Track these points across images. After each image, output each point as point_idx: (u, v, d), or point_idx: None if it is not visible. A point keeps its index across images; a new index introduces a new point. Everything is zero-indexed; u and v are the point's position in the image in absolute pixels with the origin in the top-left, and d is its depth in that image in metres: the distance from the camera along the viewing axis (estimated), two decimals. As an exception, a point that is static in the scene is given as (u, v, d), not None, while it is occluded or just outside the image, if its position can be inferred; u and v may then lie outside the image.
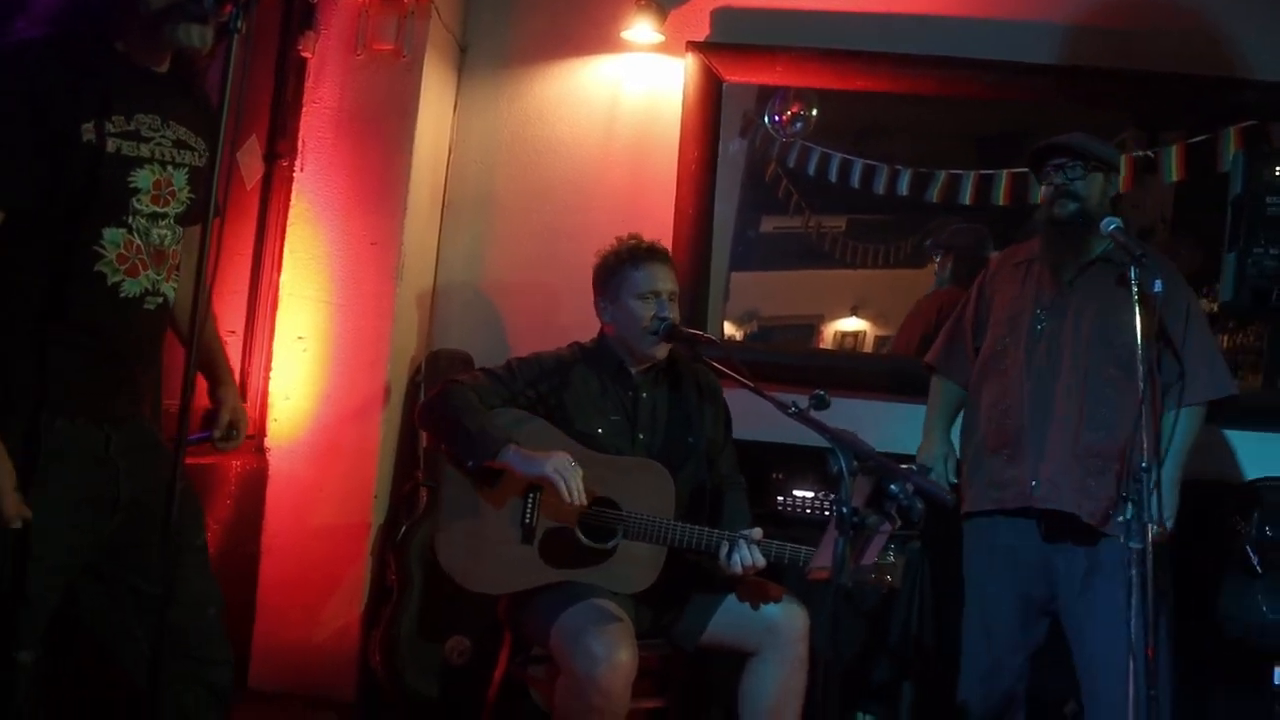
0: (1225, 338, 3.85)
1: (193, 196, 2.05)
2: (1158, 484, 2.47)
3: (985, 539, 2.95)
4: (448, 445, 2.72)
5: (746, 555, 2.60)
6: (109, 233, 1.92)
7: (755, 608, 2.67)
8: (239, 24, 1.82)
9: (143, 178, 1.95)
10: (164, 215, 2.00)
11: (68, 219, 1.89)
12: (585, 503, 2.60)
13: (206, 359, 2.22)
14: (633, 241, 2.86)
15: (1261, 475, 3.31)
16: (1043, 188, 2.94)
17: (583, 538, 2.67)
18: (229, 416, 2.24)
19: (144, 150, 1.95)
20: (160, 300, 2.03)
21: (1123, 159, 3.67)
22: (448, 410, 2.69)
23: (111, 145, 1.90)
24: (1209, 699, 3.22)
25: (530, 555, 2.69)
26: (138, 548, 2.01)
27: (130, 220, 1.95)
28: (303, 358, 3.52)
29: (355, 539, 3.49)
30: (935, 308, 3.86)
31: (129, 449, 2.00)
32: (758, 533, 2.65)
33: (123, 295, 1.95)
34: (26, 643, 1.89)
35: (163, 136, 1.98)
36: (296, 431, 3.49)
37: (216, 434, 2.23)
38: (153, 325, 2.05)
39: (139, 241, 1.96)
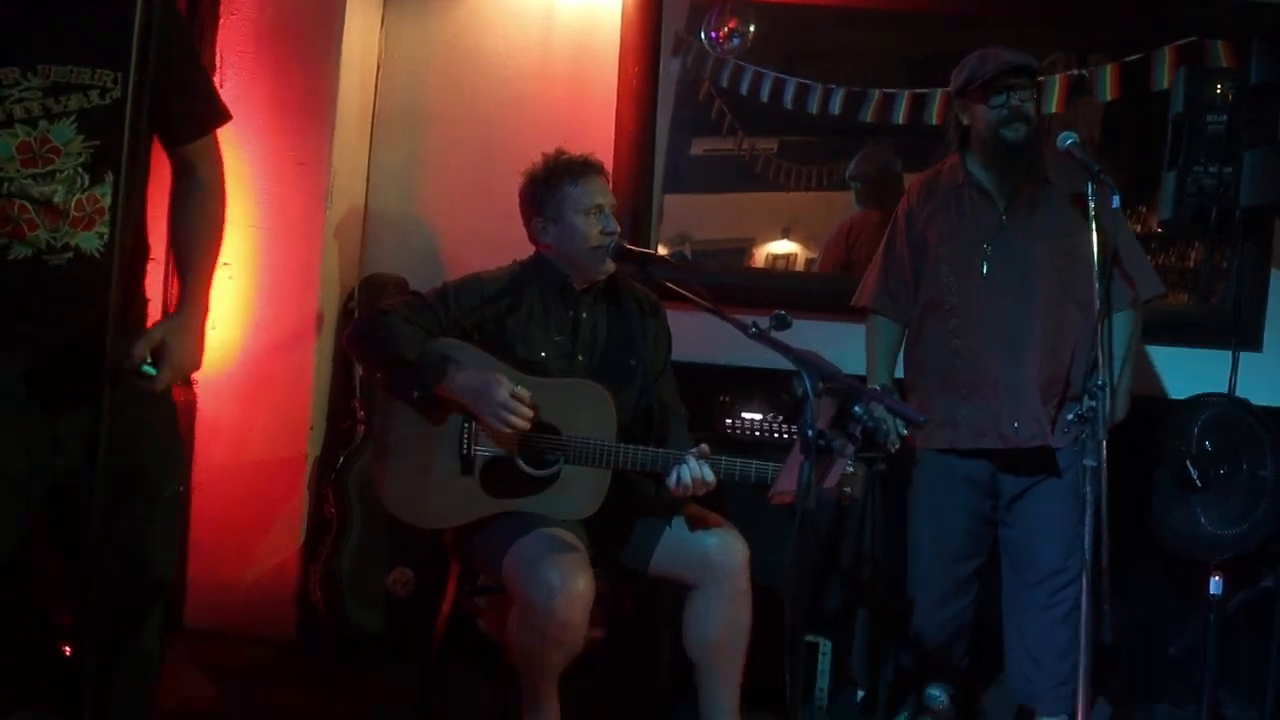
0: (1150, 259, 3.91)
1: (95, 142, 1.85)
2: (1113, 397, 2.50)
3: (942, 471, 2.96)
4: (384, 374, 2.63)
5: (695, 470, 2.51)
6: None
7: (692, 538, 2.62)
8: None
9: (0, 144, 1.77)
10: (51, 174, 1.82)
11: None
12: (522, 426, 2.51)
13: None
14: (565, 156, 2.74)
15: (1195, 392, 3.36)
16: (987, 109, 2.84)
17: (524, 465, 2.60)
18: (146, 346, 1.93)
19: None
20: (69, 254, 1.86)
21: (1056, 78, 3.69)
22: (381, 338, 2.60)
23: None
24: (1147, 608, 3.30)
25: (472, 486, 2.61)
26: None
27: (7, 188, 1.79)
28: (229, 286, 3.36)
29: (291, 473, 3.38)
30: (844, 234, 3.87)
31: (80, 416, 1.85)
32: (704, 449, 2.59)
33: (11, 257, 1.81)
34: None
35: (25, 90, 1.78)
36: (225, 363, 3.35)
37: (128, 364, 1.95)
38: (68, 280, 1.87)
39: (21, 202, 1.80)
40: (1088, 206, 2.54)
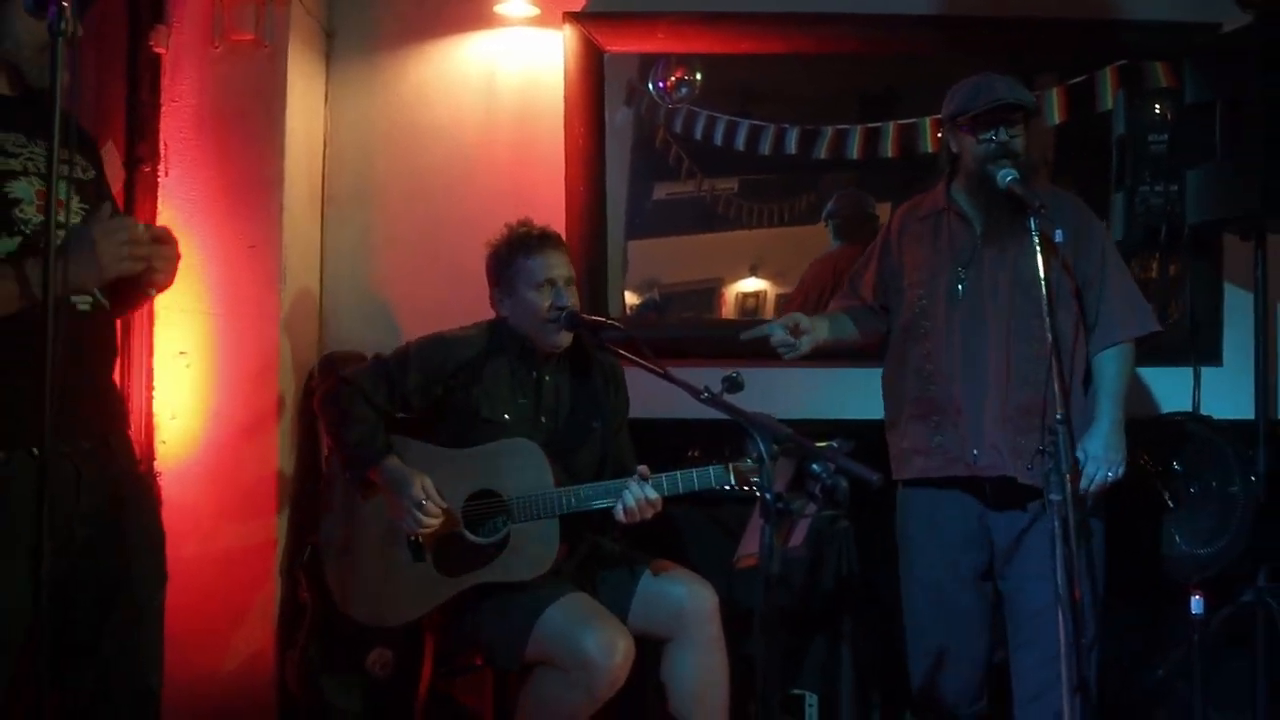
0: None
1: (85, 207, 2.01)
2: (1069, 434, 2.47)
3: (924, 510, 2.89)
4: (334, 447, 2.75)
5: (638, 492, 2.56)
6: (4, 243, 1.86)
7: (661, 591, 2.65)
8: (62, 26, 1.70)
9: (20, 188, 1.91)
10: (60, 226, 1.88)
11: None
12: (440, 508, 2.58)
13: None
14: (523, 229, 2.78)
15: (1160, 411, 3.38)
16: (975, 142, 2.78)
17: (471, 536, 2.62)
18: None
19: (14, 164, 1.92)
20: (90, 300, 2.00)
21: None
22: (333, 413, 2.71)
23: None
24: (1133, 630, 3.29)
25: (426, 571, 2.64)
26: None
27: (23, 229, 1.92)
28: (186, 374, 3.32)
29: (261, 559, 3.32)
30: (830, 269, 3.86)
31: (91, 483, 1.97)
32: (643, 470, 2.61)
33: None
34: None
35: (32, 152, 1.96)
36: (187, 452, 3.30)
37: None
38: (91, 329, 2.02)
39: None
40: (1078, 242, 2.56)
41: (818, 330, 2.89)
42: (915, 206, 3.02)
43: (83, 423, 1.99)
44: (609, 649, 2.46)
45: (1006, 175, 2.62)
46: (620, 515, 2.58)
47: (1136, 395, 3.50)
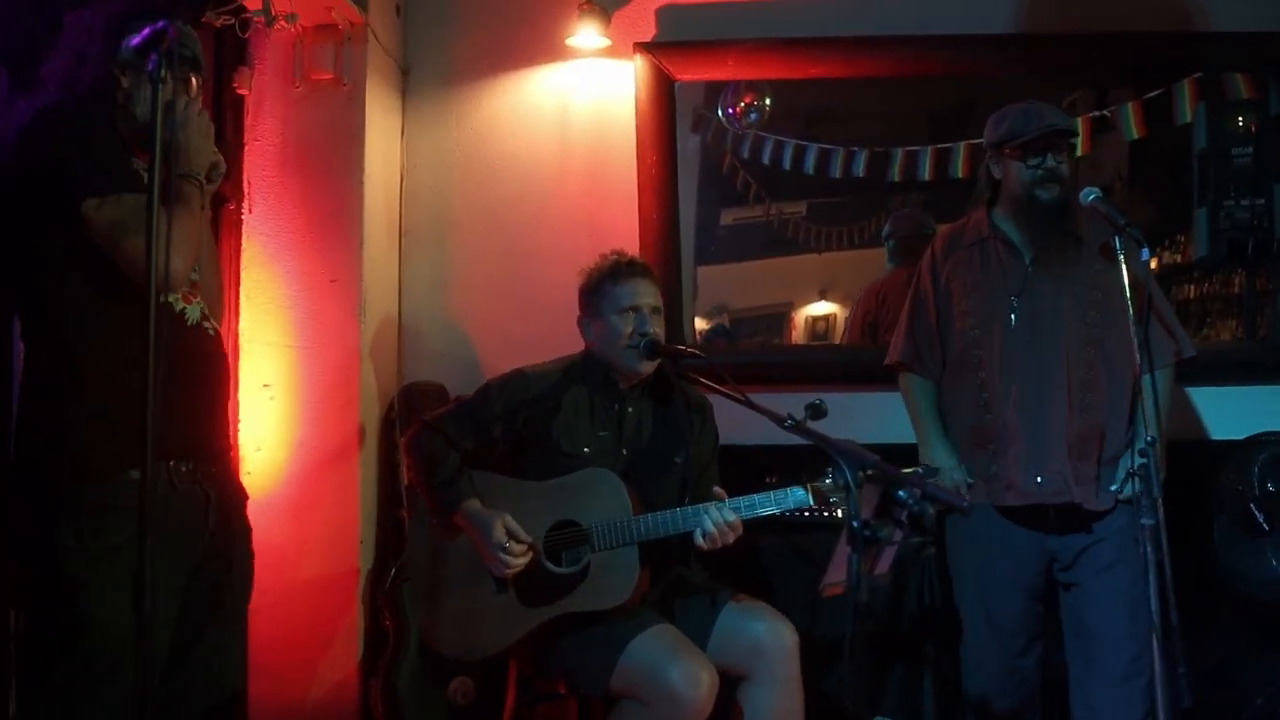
0: (1191, 287, 3.84)
1: None
2: (1163, 456, 2.43)
3: (981, 533, 2.87)
4: (419, 491, 2.79)
5: (716, 516, 2.55)
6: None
7: (741, 627, 2.63)
8: (162, 72, 1.77)
9: None
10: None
11: None
12: (519, 566, 2.61)
13: None
14: (614, 257, 2.82)
15: (1251, 432, 3.27)
16: (1023, 167, 2.80)
17: (552, 567, 2.63)
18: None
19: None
20: (215, 326, 2.17)
21: (1078, 121, 3.67)
22: (419, 456, 2.75)
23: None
24: (1227, 661, 3.19)
25: (510, 602, 2.65)
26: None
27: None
28: (270, 406, 3.40)
29: (344, 588, 3.37)
30: (876, 294, 3.87)
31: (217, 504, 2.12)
32: (719, 492, 2.61)
33: (189, 322, 2.09)
34: None
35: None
36: (272, 484, 3.37)
37: None
38: (219, 351, 2.19)
39: None
40: (1117, 259, 2.52)
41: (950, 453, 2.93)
42: (957, 234, 3.01)
43: (206, 442, 2.12)
44: (694, 682, 2.44)
45: (1090, 194, 2.59)
46: (700, 540, 2.56)
47: (1222, 415, 3.43)
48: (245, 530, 2.25)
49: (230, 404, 2.30)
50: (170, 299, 2.03)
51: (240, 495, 2.26)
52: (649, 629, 2.54)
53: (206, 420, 2.14)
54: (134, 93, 2.05)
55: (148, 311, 1.71)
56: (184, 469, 2.04)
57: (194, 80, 2.11)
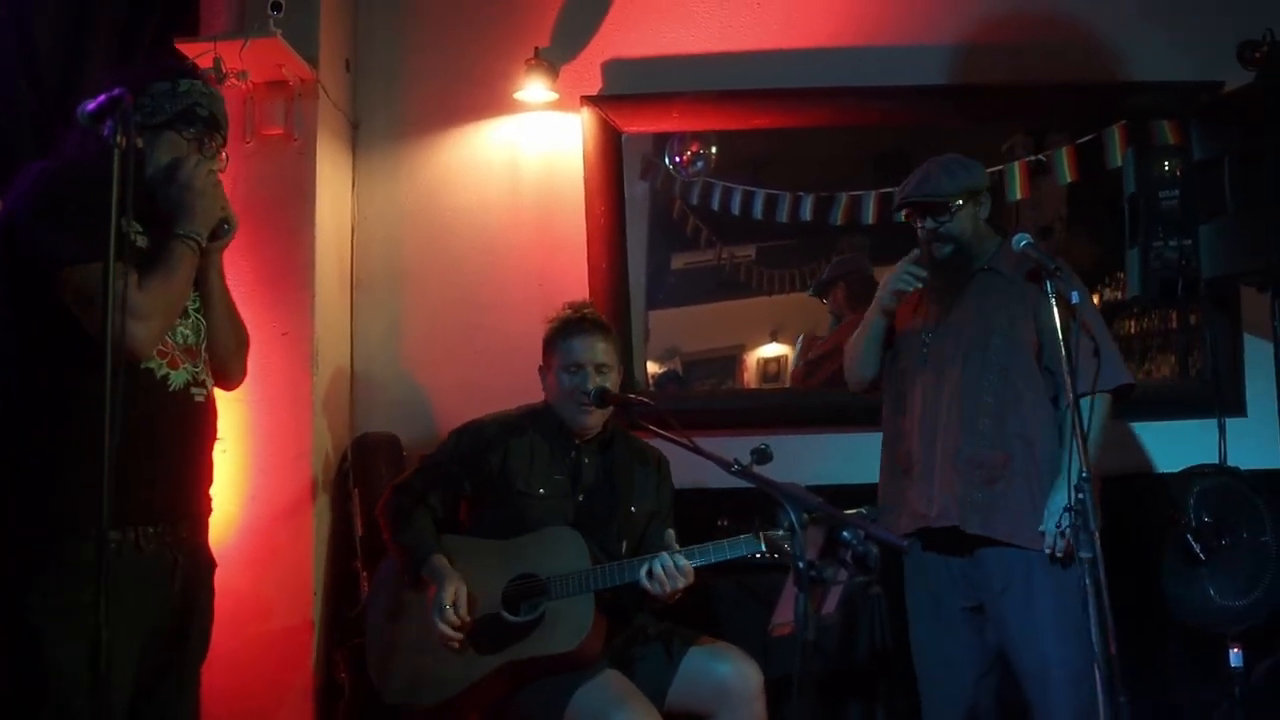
0: (1132, 323, 3.95)
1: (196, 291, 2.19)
2: (1098, 491, 2.47)
3: (910, 564, 2.93)
4: (391, 550, 2.84)
5: (667, 560, 2.58)
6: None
7: (705, 668, 2.66)
8: (118, 137, 1.80)
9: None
10: (185, 314, 2.12)
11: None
12: (460, 621, 2.64)
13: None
14: (568, 312, 2.91)
15: (1188, 464, 3.36)
16: (917, 227, 2.91)
17: (508, 616, 2.67)
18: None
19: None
20: (205, 393, 2.17)
21: (1015, 165, 3.79)
22: (387, 518, 2.83)
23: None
24: (1170, 686, 3.26)
25: (463, 652, 2.68)
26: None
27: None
28: (222, 460, 3.33)
29: (299, 641, 3.36)
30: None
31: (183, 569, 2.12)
32: (671, 536, 2.67)
33: (171, 388, 2.08)
34: None
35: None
36: (225, 537, 3.34)
37: None
38: (203, 418, 2.17)
39: (169, 339, 2.08)
40: (1041, 298, 2.59)
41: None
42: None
43: (177, 506, 2.13)
44: None
45: (1021, 240, 2.67)
46: (646, 581, 2.58)
47: (1162, 448, 3.53)
48: (209, 594, 2.26)
49: (209, 467, 2.28)
50: (152, 364, 2.05)
51: (208, 562, 2.27)
52: (595, 677, 2.57)
53: (178, 485, 2.14)
54: (148, 154, 2.08)
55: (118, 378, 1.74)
56: (151, 531, 2.04)
57: (211, 140, 2.15)
